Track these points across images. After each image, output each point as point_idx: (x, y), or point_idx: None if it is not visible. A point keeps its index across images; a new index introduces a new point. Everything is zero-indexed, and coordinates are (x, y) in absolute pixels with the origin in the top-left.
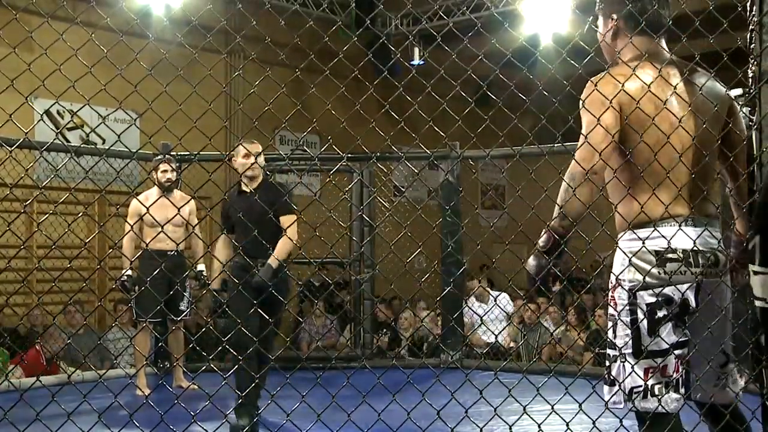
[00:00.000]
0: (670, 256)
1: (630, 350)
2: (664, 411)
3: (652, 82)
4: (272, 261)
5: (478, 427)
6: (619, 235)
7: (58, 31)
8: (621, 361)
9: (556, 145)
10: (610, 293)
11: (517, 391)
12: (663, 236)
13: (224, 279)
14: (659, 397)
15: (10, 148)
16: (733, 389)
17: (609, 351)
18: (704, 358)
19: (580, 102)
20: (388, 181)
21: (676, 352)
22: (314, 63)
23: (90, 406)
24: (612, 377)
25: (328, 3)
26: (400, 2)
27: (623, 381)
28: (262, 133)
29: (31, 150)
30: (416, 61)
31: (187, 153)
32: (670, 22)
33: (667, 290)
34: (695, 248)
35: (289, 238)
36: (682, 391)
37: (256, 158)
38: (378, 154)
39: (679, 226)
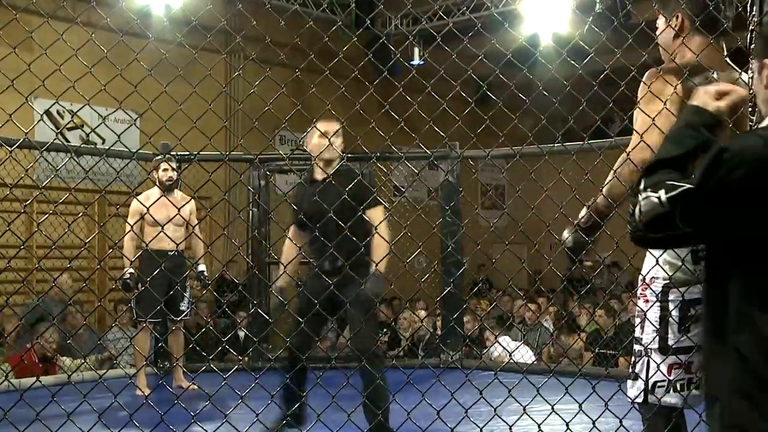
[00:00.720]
0: (702, 254)
1: (656, 346)
2: (680, 406)
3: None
4: (381, 267)
5: (478, 427)
6: None
7: (58, 31)
8: (646, 357)
9: (555, 145)
10: (640, 290)
11: (517, 391)
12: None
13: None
14: (681, 392)
15: (10, 148)
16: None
17: (635, 347)
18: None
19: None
20: (388, 181)
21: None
22: (314, 63)
23: (90, 406)
24: (635, 373)
25: (328, 3)
26: (400, 2)
27: (649, 377)
28: (262, 133)
29: (31, 150)
30: (416, 61)
31: (187, 153)
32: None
33: (699, 289)
34: None
35: (381, 236)
36: (699, 390)
37: (330, 139)
38: (378, 153)
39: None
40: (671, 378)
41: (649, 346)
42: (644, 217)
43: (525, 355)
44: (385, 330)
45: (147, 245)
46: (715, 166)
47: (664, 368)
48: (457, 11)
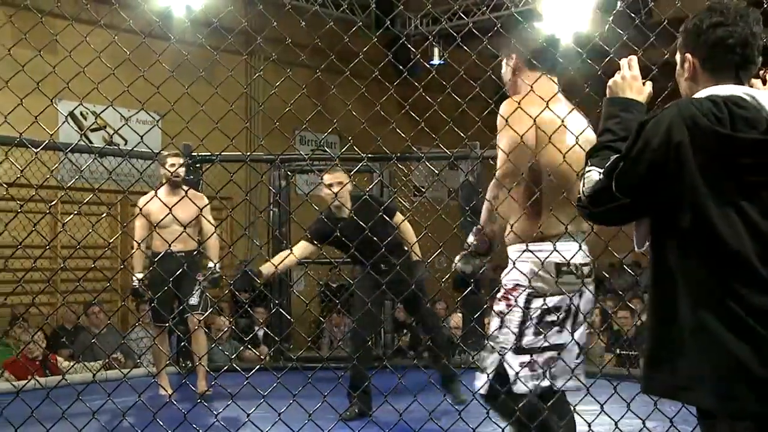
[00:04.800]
0: (564, 268)
1: (509, 345)
2: (526, 395)
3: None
4: (415, 255)
5: (499, 427)
6: (517, 246)
7: (82, 34)
8: (499, 354)
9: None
10: (501, 293)
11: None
12: (558, 250)
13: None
14: (526, 384)
15: (35, 150)
16: (580, 378)
17: (489, 343)
18: (570, 351)
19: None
20: (408, 182)
21: (552, 352)
22: (334, 64)
23: (114, 405)
24: (485, 366)
25: (348, 4)
26: (420, 2)
27: (497, 371)
28: (283, 134)
29: (55, 151)
30: (436, 62)
31: (209, 154)
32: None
33: (559, 298)
34: (582, 261)
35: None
36: (546, 383)
37: (333, 187)
38: (398, 154)
39: (580, 242)
40: (520, 373)
41: (504, 346)
42: (587, 190)
43: None
44: (405, 330)
45: (149, 248)
46: (638, 135)
47: (516, 365)
48: (476, 11)
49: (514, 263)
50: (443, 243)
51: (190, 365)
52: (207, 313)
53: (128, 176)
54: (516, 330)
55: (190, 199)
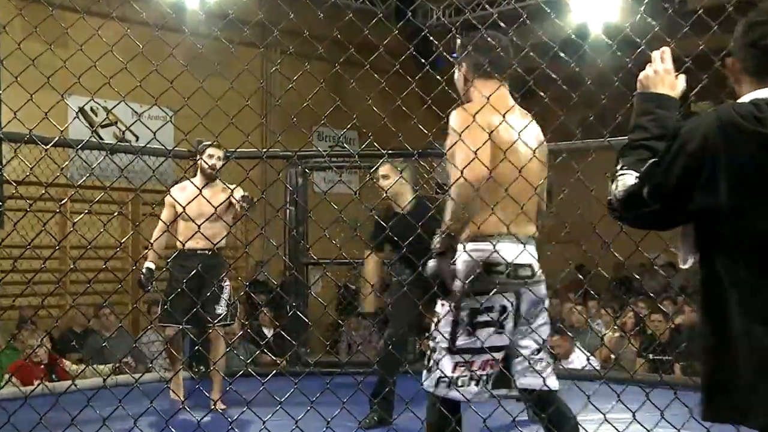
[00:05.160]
0: (497, 268)
1: (445, 345)
2: (461, 400)
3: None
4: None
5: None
6: (459, 247)
7: (93, 27)
8: (439, 353)
9: (605, 140)
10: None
11: (566, 398)
12: (494, 250)
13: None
14: (461, 388)
15: (45, 146)
16: (542, 375)
17: (430, 342)
18: (517, 350)
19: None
20: (430, 179)
21: (490, 354)
22: (354, 57)
23: (125, 411)
24: (429, 365)
25: None
26: None
27: (436, 370)
28: (300, 129)
29: (65, 148)
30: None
31: (224, 150)
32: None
33: (492, 298)
34: (521, 262)
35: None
36: (489, 386)
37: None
38: (420, 150)
39: (523, 243)
40: (455, 375)
41: (440, 345)
42: (620, 193)
43: (575, 360)
44: (428, 334)
45: (173, 243)
46: (673, 140)
47: (449, 366)
48: (501, 1)
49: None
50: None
51: (203, 370)
52: (233, 324)
53: (139, 174)
54: (449, 329)
55: (229, 189)
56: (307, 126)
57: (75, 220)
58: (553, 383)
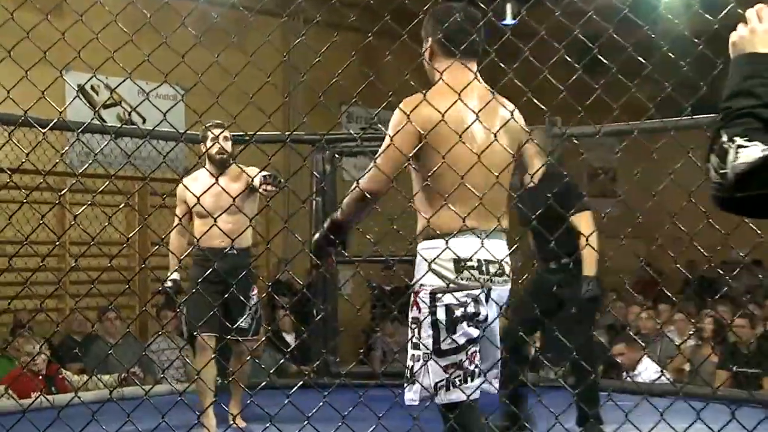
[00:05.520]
0: (467, 264)
1: (432, 349)
2: (466, 400)
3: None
4: (591, 271)
5: None
6: (420, 243)
7: None
8: (425, 360)
9: (683, 118)
10: (412, 297)
11: (635, 416)
12: (462, 245)
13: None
14: (460, 387)
15: (43, 129)
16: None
17: (412, 351)
18: (487, 351)
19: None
20: None
21: (471, 347)
22: (389, 26)
23: (134, 427)
24: (413, 377)
25: None
26: None
27: (427, 379)
28: (328, 109)
29: (63, 132)
30: (509, 21)
31: (242, 133)
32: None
33: (462, 294)
34: (488, 258)
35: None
36: (478, 380)
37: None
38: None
39: (488, 237)
40: (450, 377)
41: (423, 352)
42: (741, 167)
43: (643, 372)
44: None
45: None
46: None
47: (441, 370)
48: None
49: (418, 260)
50: (520, 237)
51: (220, 381)
52: (259, 339)
53: (147, 160)
54: (431, 333)
55: (246, 174)
56: (336, 105)
57: (76, 213)
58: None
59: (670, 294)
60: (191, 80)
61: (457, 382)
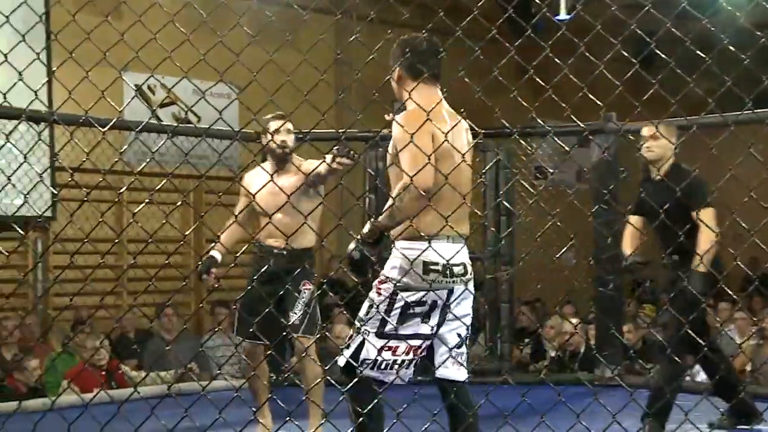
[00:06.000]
0: (432, 267)
1: (375, 330)
2: (379, 379)
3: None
4: (702, 269)
5: None
6: (398, 242)
7: None
8: (364, 336)
9: (744, 112)
10: (376, 282)
11: (696, 416)
12: (433, 249)
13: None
14: (383, 369)
15: (103, 129)
16: (464, 367)
17: (357, 324)
18: (442, 343)
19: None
20: (529, 162)
21: (416, 341)
22: (443, 22)
23: (192, 422)
24: (349, 344)
25: None
26: None
27: (357, 351)
28: (383, 106)
29: (121, 131)
30: (564, 16)
31: (297, 131)
32: None
33: (424, 294)
34: (454, 261)
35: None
36: (409, 371)
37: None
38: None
39: (461, 243)
40: (379, 358)
41: (368, 329)
42: None
43: (701, 371)
44: (527, 339)
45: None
46: None
47: (376, 348)
48: None
49: (392, 257)
50: (574, 235)
51: (274, 378)
52: (313, 337)
53: (201, 159)
54: (381, 317)
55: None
56: (388, 102)
57: (134, 211)
58: (463, 375)
59: (730, 292)
60: (244, 78)
61: (383, 365)
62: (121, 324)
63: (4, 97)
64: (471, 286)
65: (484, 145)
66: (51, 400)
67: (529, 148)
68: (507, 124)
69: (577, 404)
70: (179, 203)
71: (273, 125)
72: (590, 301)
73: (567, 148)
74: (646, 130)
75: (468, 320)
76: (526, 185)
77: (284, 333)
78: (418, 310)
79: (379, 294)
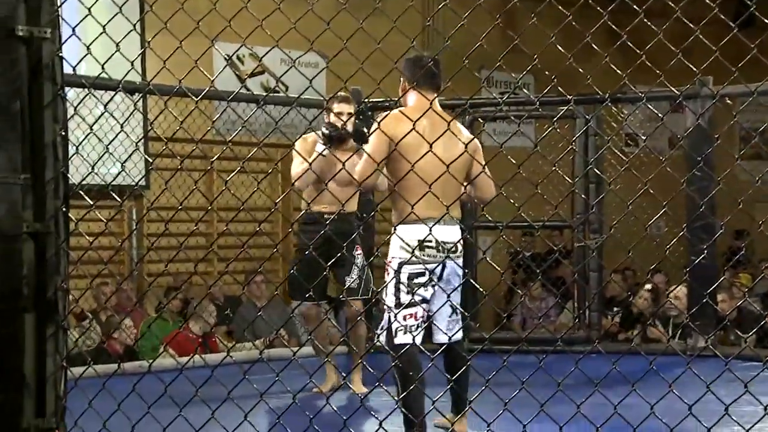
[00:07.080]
0: (427, 243)
1: (394, 304)
2: (412, 342)
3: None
4: None
5: (743, 428)
6: (396, 227)
7: None
8: (389, 313)
9: None
10: (386, 266)
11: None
12: (427, 229)
13: None
14: (412, 333)
15: (196, 99)
16: (456, 332)
17: (384, 306)
18: (439, 311)
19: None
20: (620, 129)
21: (424, 305)
22: None
23: (283, 386)
24: (383, 324)
25: None
26: None
27: (390, 325)
28: (472, 74)
29: (211, 101)
30: None
31: (383, 99)
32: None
33: (422, 266)
34: (443, 239)
35: None
36: (419, 331)
37: None
38: (610, 94)
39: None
40: (405, 324)
41: (390, 305)
42: None
43: None
44: (616, 308)
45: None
46: None
47: (400, 317)
48: None
49: (393, 240)
50: (666, 203)
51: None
52: (368, 297)
53: (289, 127)
54: (395, 292)
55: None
56: (476, 69)
57: (227, 179)
58: (458, 336)
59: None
60: (331, 47)
61: (411, 329)
62: (218, 290)
63: (103, 68)
64: (461, 261)
65: (574, 112)
66: (148, 362)
67: (620, 114)
68: (598, 90)
69: (669, 374)
70: (270, 171)
71: (336, 107)
72: (682, 270)
73: (660, 114)
74: None
75: (458, 293)
76: (617, 152)
77: (342, 297)
78: (420, 279)
79: (388, 273)
